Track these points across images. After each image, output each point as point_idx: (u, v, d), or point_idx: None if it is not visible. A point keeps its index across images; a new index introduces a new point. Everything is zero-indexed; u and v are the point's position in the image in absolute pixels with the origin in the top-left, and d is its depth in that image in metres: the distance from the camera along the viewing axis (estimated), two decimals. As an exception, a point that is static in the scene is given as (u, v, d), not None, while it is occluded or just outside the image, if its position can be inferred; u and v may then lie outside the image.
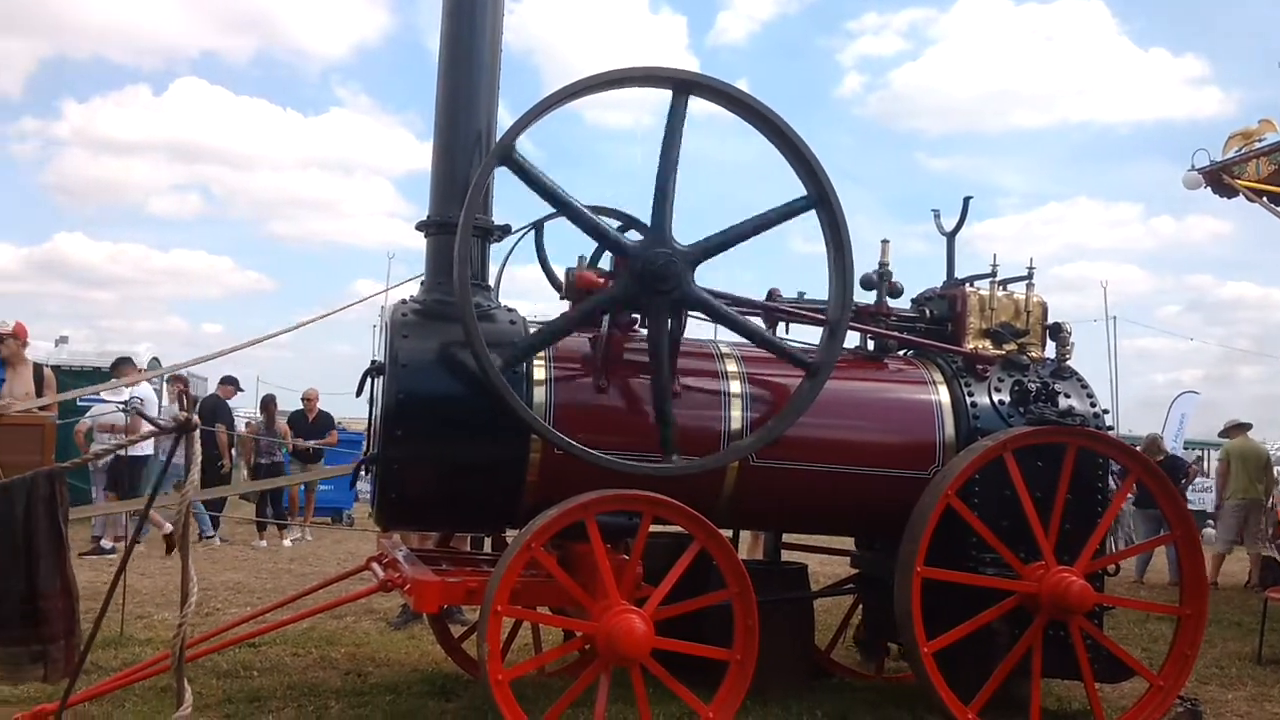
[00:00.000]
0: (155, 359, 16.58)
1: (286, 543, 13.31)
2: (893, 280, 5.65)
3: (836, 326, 4.85)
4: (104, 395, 12.05)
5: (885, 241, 5.75)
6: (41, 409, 7.59)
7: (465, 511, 5.17)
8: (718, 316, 4.86)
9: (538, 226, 5.80)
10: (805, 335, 5.65)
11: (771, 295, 5.52)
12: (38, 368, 9.20)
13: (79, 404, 13.57)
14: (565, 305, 5.43)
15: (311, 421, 14.30)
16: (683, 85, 4.62)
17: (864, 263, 5.42)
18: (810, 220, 4.81)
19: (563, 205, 4.65)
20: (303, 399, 14.56)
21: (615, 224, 5.70)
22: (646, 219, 4.73)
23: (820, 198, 4.72)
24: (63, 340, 18.07)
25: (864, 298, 5.56)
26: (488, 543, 6.99)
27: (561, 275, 5.22)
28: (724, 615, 4.55)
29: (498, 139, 4.68)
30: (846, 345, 5.17)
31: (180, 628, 2.84)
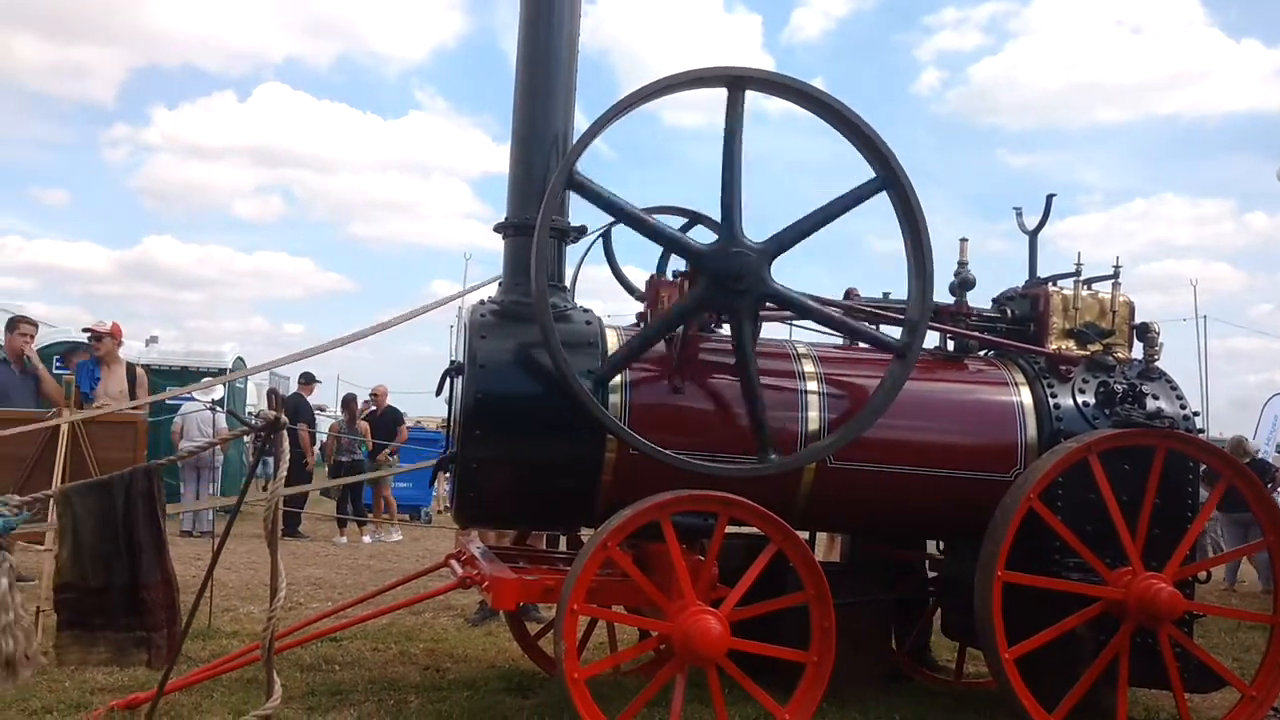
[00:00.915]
0: (240, 358, 16.99)
1: (366, 539, 13.55)
2: (967, 276, 5.56)
3: (916, 326, 4.78)
4: (195, 395, 12.41)
5: (964, 240, 5.67)
6: (134, 408, 7.84)
7: (542, 510, 5.21)
8: (798, 309, 4.82)
9: (606, 233, 5.84)
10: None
11: (849, 295, 5.47)
12: (130, 367, 9.50)
13: (168, 402, 13.99)
14: (639, 307, 5.48)
15: (379, 417, 14.61)
16: (735, 82, 4.59)
17: (943, 262, 5.34)
18: (887, 217, 4.77)
19: (629, 219, 4.69)
20: (371, 394, 14.87)
21: (682, 221, 5.75)
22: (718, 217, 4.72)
23: (889, 179, 4.66)
24: (153, 340, 18.58)
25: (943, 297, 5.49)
26: (562, 541, 7.07)
27: (633, 278, 5.29)
28: (800, 617, 4.53)
29: (573, 144, 4.71)
30: (926, 345, 5.10)
31: (270, 621, 2.92)
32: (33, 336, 8.95)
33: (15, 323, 8.87)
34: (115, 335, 9.29)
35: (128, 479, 3.09)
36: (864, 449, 4.92)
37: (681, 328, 4.90)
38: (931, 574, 6.18)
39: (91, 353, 9.32)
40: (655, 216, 4.96)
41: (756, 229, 4.67)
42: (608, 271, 6.15)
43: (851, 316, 5.39)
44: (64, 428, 6.55)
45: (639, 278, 5.94)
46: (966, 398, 5.46)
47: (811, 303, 4.89)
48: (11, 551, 2.92)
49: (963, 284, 5.55)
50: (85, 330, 9.59)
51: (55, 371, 13.31)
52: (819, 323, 4.93)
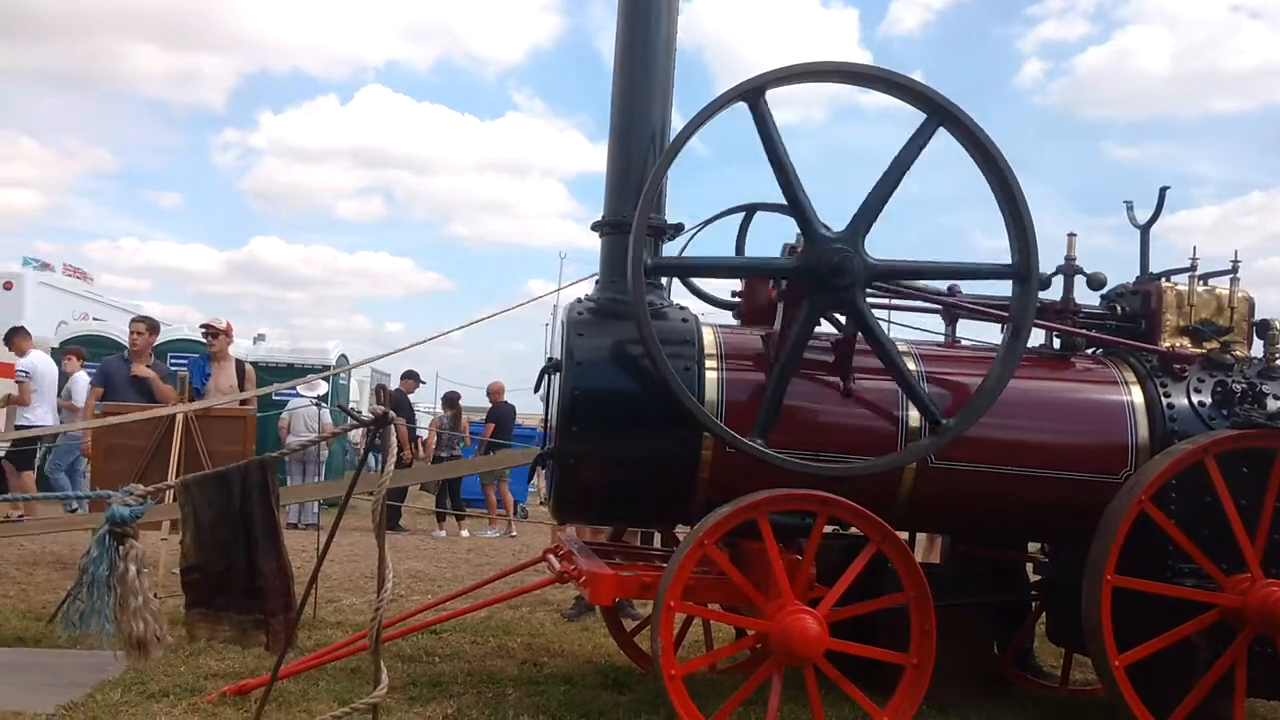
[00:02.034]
0: (344, 355, 17.42)
1: (464, 534, 13.78)
2: (1090, 272, 5.39)
3: (1020, 323, 4.67)
4: (300, 390, 12.79)
5: (1071, 235, 5.50)
6: (242, 403, 8.12)
7: (638, 507, 5.23)
8: (909, 273, 4.81)
9: (708, 221, 5.85)
10: (987, 334, 5.50)
11: (951, 291, 5.36)
12: (239, 364, 9.83)
13: (275, 398, 14.43)
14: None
15: (495, 413, 14.94)
16: (752, 94, 4.49)
17: (1050, 260, 5.21)
18: (991, 209, 4.65)
19: (724, 272, 4.69)
20: (489, 392, 15.19)
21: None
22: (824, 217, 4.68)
23: (939, 113, 4.52)
24: (260, 338, 19.18)
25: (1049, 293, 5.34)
26: (658, 538, 7.08)
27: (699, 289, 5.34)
28: (899, 618, 4.46)
29: (672, 138, 4.72)
30: (1031, 344, 4.97)
31: (377, 612, 2.99)
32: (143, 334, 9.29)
33: (132, 322, 9.26)
34: (228, 333, 9.65)
35: (244, 471, 3.20)
36: (967, 448, 4.82)
37: (780, 324, 4.86)
38: (1035, 577, 6.04)
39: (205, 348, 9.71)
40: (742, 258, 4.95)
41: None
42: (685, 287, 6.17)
43: (953, 313, 5.30)
44: (178, 421, 6.81)
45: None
46: (1074, 396, 5.30)
47: (885, 337, 4.78)
48: (137, 539, 3.04)
49: (1091, 282, 5.39)
50: (202, 326, 9.97)
51: (170, 367, 13.85)
52: (929, 277, 4.88)
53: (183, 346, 15.72)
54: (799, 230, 4.62)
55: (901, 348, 5.17)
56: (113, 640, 3.11)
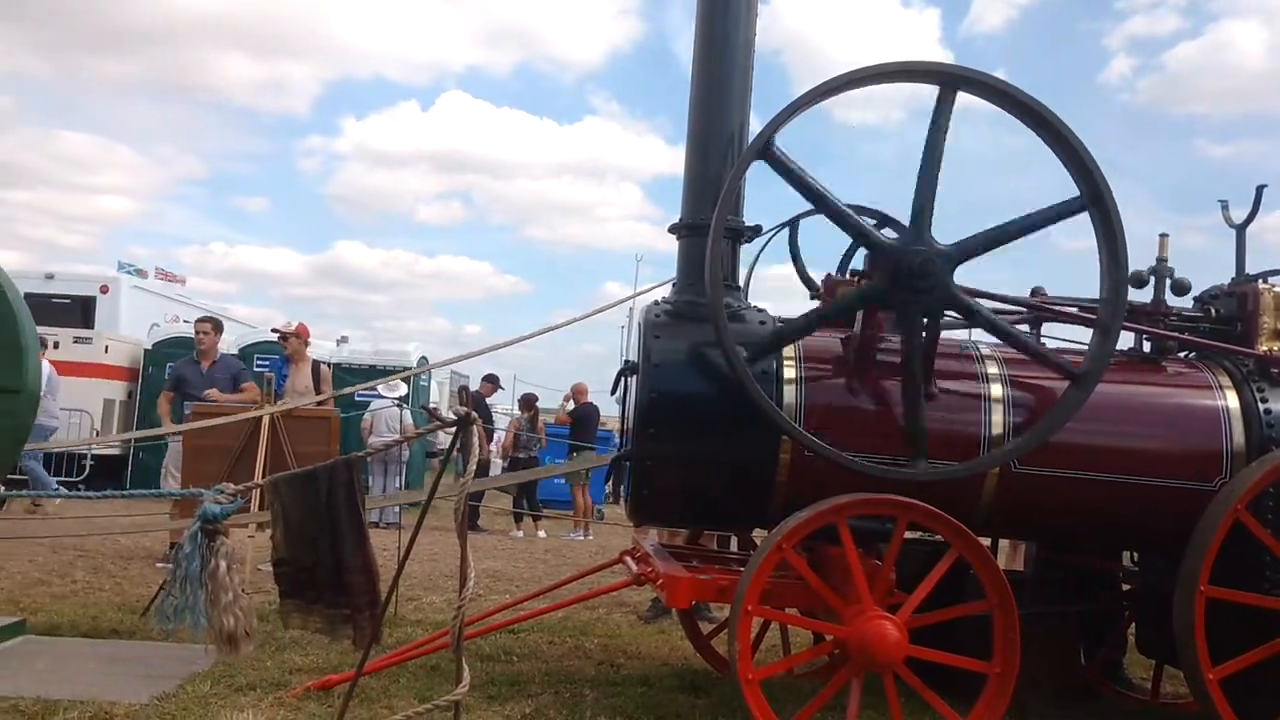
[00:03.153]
0: (424, 357, 17.69)
1: (541, 534, 13.89)
2: (1176, 277, 5.25)
3: (1109, 327, 4.55)
4: (380, 391, 13.03)
5: (1164, 236, 5.36)
6: (321, 403, 8.29)
7: (715, 510, 5.22)
8: (979, 321, 4.66)
9: (793, 225, 5.81)
10: (1074, 336, 5.37)
11: (1035, 293, 5.25)
12: (316, 364, 10.06)
13: (357, 399, 14.71)
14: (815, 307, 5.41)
15: (578, 414, 15.05)
16: (949, 80, 4.46)
17: (1139, 260, 5.07)
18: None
19: (820, 201, 4.58)
20: (572, 393, 15.31)
21: (870, 222, 5.65)
22: (900, 217, 4.62)
23: (1095, 198, 4.43)
24: (343, 340, 19.57)
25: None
26: (734, 542, 7.05)
27: (806, 272, 5.23)
28: (981, 626, 4.38)
29: (751, 139, 4.70)
30: (1120, 346, 4.85)
31: (459, 610, 3.02)
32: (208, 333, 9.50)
33: (197, 322, 9.51)
34: (301, 335, 9.88)
35: (330, 470, 3.27)
36: (1052, 454, 4.72)
37: (860, 327, 4.81)
38: (1125, 586, 5.88)
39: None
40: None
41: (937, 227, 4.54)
42: (781, 271, 6.14)
43: (1039, 316, 5.19)
44: (264, 421, 6.97)
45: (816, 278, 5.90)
46: (1165, 401, 5.15)
47: (994, 316, 4.68)
48: (228, 536, 3.12)
49: (1176, 287, 5.24)
50: (274, 330, 10.21)
51: (256, 368, 14.22)
52: (999, 337, 4.74)
53: (269, 348, 16.12)
54: (910, 221, 4.54)
55: (985, 351, 5.09)
56: (203, 635, 3.19)
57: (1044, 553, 5.85)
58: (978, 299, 4.72)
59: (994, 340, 5.04)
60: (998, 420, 4.83)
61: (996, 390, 4.91)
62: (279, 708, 4.51)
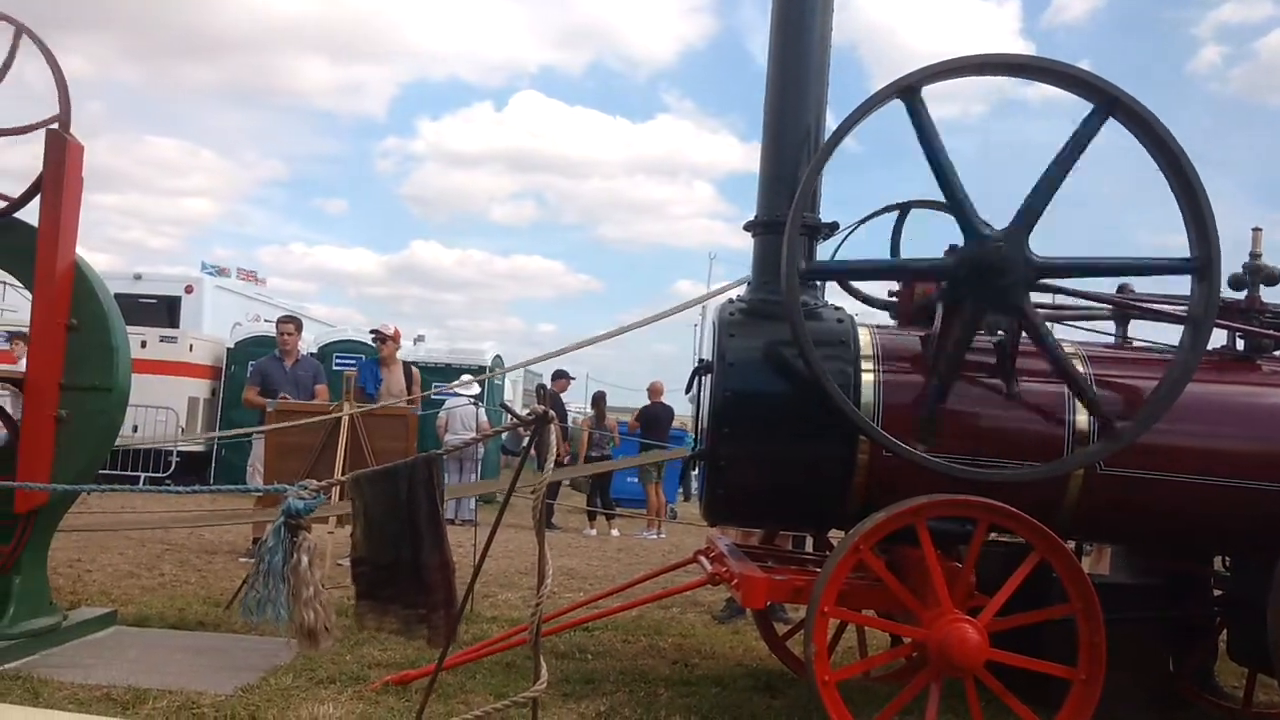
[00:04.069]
0: (499, 356, 17.85)
1: (614, 533, 13.93)
2: (1270, 270, 5.07)
3: (1200, 323, 4.39)
4: (456, 390, 13.21)
5: (1257, 230, 5.18)
6: (408, 402, 8.45)
7: (791, 510, 5.17)
8: (1077, 270, 4.50)
9: (864, 220, 5.75)
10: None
11: (1122, 289, 5.11)
12: (407, 366, 10.29)
13: (434, 397, 14.91)
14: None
15: (651, 412, 15.10)
16: (905, 91, 4.32)
17: (1233, 259, 4.92)
18: (1162, 209, 4.41)
19: (877, 274, 4.60)
20: (649, 392, 15.37)
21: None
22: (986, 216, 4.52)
23: (1109, 101, 4.26)
24: (420, 339, 19.82)
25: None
26: (809, 542, 6.99)
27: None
28: (1065, 631, 4.27)
29: (827, 136, 4.65)
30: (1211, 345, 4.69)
31: (537, 608, 3.03)
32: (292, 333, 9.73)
33: (280, 322, 9.70)
34: (396, 339, 10.12)
35: (411, 468, 3.30)
36: (1140, 455, 4.59)
37: (940, 325, 4.73)
38: (1217, 591, 5.69)
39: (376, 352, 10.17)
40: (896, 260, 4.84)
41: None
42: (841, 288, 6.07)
43: (1125, 314, 5.05)
44: (344, 421, 7.09)
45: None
46: (1260, 401, 4.98)
47: (1084, 259, 4.54)
48: (310, 531, 3.17)
49: (1267, 278, 5.06)
50: (371, 331, 10.43)
51: (335, 367, 14.49)
52: (1099, 274, 4.57)
53: (347, 347, 16.42)
54: (956, 221, 4.47)
55: (1068, 349, 4.96)
56: (284, 628, 3.25)
57: (1131, 557, 5.70)
58: (1060, 296, 4.62)
59: (1080, 338, 4.92)
60: (1083, 420, 4.71)
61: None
62: (358, 701, 4.58)
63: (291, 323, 9.79)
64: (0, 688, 4.46)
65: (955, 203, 4.39)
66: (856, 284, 5.93)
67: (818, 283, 5.22)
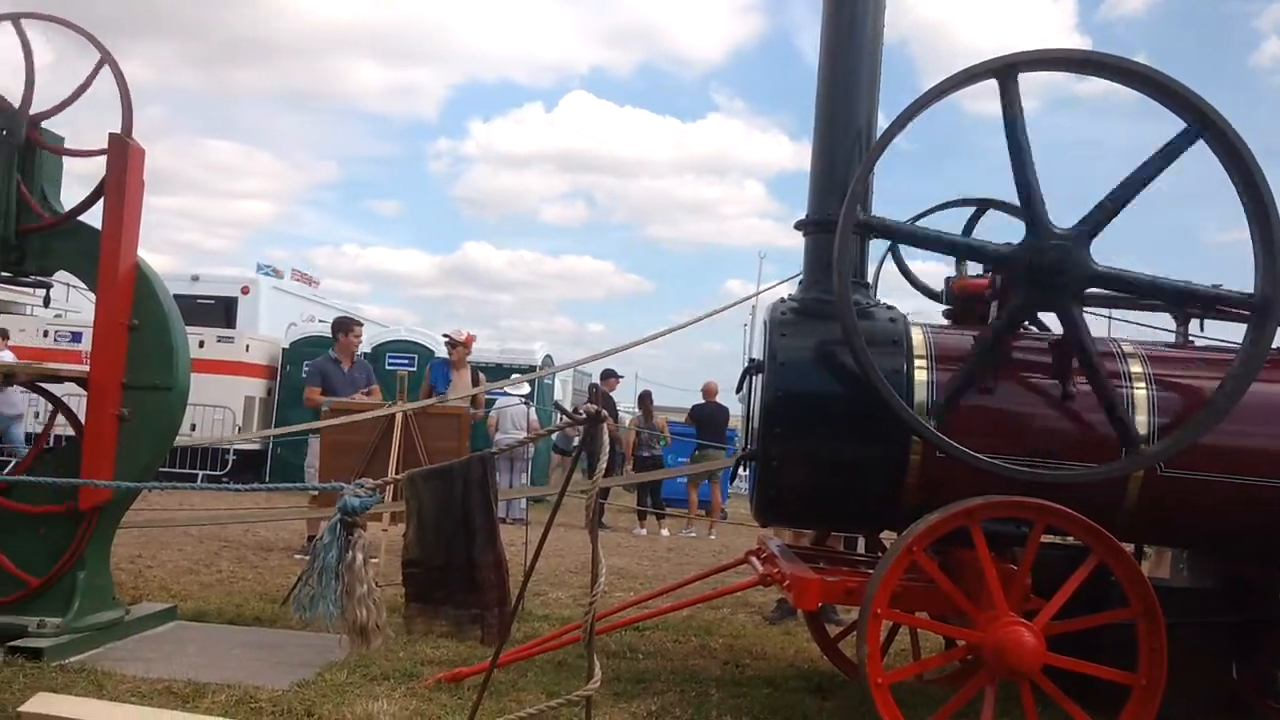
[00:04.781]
0: (549, 356, 17.92)
1: (664, 533, 13.93)
2: None
3: (1264, 316, 4.27)
4: (507, 390, 13.40)
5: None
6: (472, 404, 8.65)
7: (843, 511, 5.14)
8: (1129, 285, 4.43)
9: (929, 211, 5.71)
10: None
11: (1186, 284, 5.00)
12: (474, 370, 10.58)
13: (486, 396, 15.06)
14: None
15: (705, 412, 15.10)
16: (1006, 70, 4.25)
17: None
18: (1226, 204, 4.31)
19: (934, 244, 4.56)
20: (702, 392, 15.38)
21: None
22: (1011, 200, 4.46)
23: (1202, 123, 4.16)
24: (468, 339, 19.95)
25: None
26: (860, 543, 6.94)
27: (931, 276, 5.12)
28: (1124, 635, 4.20)
29: (877, 138, 4.61)
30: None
31: (590, 607, 3.04)
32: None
33: (350, 325, 9.82)
34: (467, 344, 10.46)
35: (465, 467, 3.33)
36: (1202, 456, 4.50)
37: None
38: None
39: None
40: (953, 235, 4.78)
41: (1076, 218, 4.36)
42: (911, 266, 6.01)
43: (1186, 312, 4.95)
44: (398, 419, 7.17)
45: (928, 271, 5.76)
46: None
47: (1147, 276, 4.45)
48: (365, 529, 3.21)
49: None
50: (444, 335, 10.76)
51: (388, 368, 14.68)
52: (1160, 296, 4.49)
53: (400, 348, 16.60)
54: (1023, 213, 4.40)
55: (1126, 348, 4.88)
56: (337, 625, 3.28)
57: (1193, 560, 5.59)
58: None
59: (1138, 336, 4.83)
60: (1141, 420, 4.62)
61: (1140, 389, 4.70)
62: (411, 698, 4.62)
63: (360, 326, 10.00)
64: (66, 680, 4.57)
65: (1026, 193, 4.31)
66: (914, 273, 5.89)
67: (870, 281, 5.18)
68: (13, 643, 4.90)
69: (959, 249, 4.60)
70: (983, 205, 5.68)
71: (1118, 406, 4.41)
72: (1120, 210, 4.30)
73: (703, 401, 15.37)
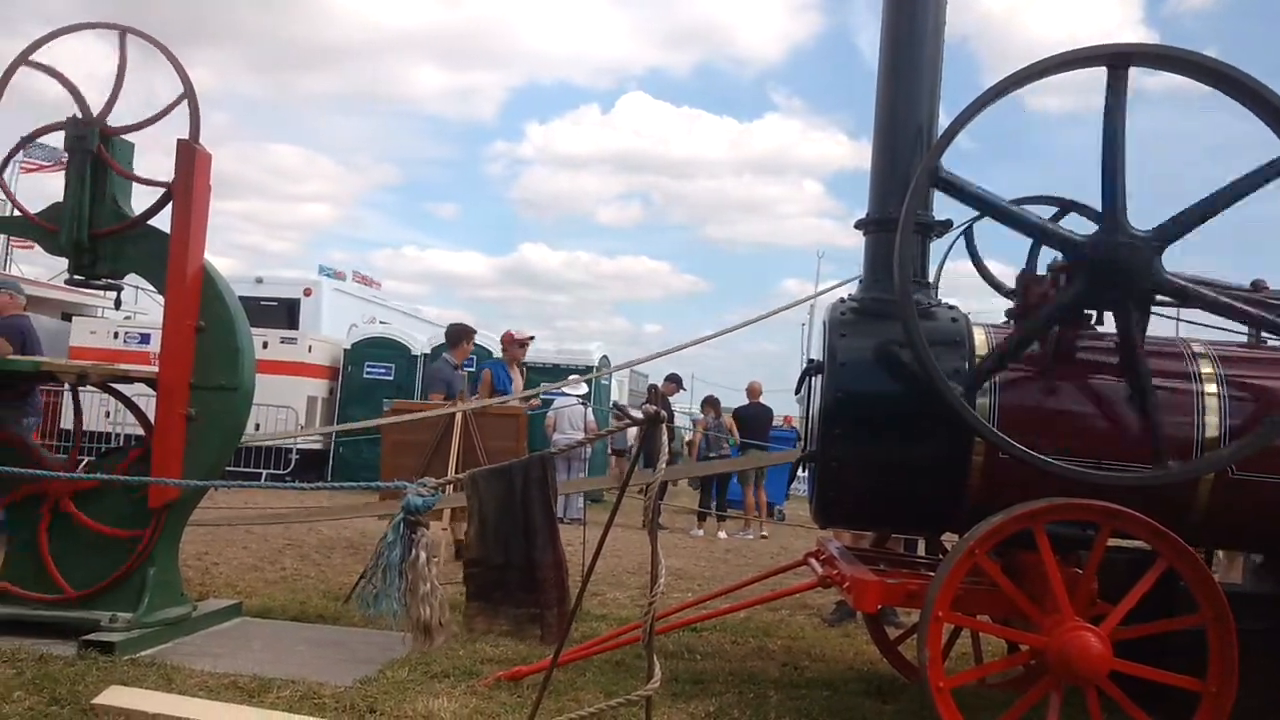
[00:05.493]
0: (605, 356, 17.97)
1: (722, 534, 13.90)
2: None
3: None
4: (565, 390, 13.47)
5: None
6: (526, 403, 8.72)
7: (903, 512, 5.08)
8: (1195, 301, 4.35)
9: (969, 228, 5.61)
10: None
11: (1256, 287, 4.89)
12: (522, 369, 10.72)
13: (542, 397, 15.16)
14: (1008, 303, 5.20)
15: (750, 412, 15.04)
16: (1117, 59, 4.19)
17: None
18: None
19: (999, 212, 4.43)
20: (747, 392, 15.32)
21: (1052, 211, 5.40)
22: (1095, 204, 4.38)
23: None
24: (530, 339, 20.08)
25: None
26: (920, 546, 6.86)
27: (1001, 274, 5.01)
28: (1193, 641, 4.10)
29: (938, 136, 4.55)
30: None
31: (650, 607, 3.04)
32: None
33: (470, 333, 9.98)
34: (524, 345, 10.62)
35: (525, 466, 3.35)
36: (1275, 459, 4.38)
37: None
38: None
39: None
40: (1025, 207, 4.69)
41: (1142, 219, 4.28)
42: (974, 267, 5.91)
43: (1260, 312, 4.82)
44: (458, 418, 7.23)
45: (1006, 273, 5.67)
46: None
47: (1209, 292, 4.38)
48: (428, 528, 3.25)
49: None
50: (516, 336, 10.93)
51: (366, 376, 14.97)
52: (1220, 313, 4.40)
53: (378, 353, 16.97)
54: (1101, 209, 4.31)
55: (1197, 349, 4.77)
56: (400, 623, 3.32)
57: (1266, 564, 5.45)
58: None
59: (1209, 337, 4.73)
60: (1212, 422, 4.52)
61: (1211, 390, 4.59)
62: (471, 696, 4.66)
63: (475, 333, 10.33)
64: (137, 673, 4.68)
65: (1110, 189, 4.24)
66: (985, 268, 5.79)
67: (929, 281, 5.12)
68: (86, 637, 5.02)
69: (1029, 227, 4.46)
70: (1065, 206, 5.53)
71: (1155, 413, 4.32)
72: (1203, 222, 4.22)
73: (747, 402, 15.30)
